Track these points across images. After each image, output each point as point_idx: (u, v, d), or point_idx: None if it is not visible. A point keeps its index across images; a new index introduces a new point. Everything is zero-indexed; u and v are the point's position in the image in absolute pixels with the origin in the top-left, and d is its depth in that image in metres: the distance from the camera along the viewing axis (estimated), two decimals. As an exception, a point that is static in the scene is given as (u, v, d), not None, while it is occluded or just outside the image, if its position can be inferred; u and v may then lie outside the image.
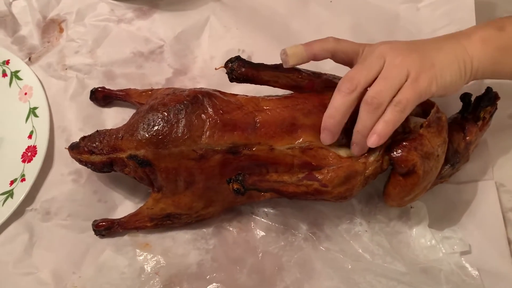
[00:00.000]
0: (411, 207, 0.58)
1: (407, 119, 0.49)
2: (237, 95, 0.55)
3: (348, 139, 0.51)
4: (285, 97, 0.54)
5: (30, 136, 0.63)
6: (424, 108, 0.54)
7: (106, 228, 0.58)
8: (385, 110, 0.47)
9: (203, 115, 0.52)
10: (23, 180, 0.61)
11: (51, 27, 0.73)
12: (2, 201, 0.60)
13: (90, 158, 0.55)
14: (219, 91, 0.55)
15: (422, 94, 0.47)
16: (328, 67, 0.55)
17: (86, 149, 0.55)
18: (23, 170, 0.61)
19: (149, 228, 0.58)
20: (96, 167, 0.55)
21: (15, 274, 0.57)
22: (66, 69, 0.69)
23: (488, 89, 0.56)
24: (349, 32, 0.68)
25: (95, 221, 0.59)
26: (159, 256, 0.58)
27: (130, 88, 0.64)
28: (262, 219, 0.59)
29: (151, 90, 0.62)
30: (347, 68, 0.52)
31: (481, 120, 0.56)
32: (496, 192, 0.58)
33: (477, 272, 0.55)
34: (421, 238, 0.57)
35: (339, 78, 0.52)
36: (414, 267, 0.55)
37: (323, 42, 0.51)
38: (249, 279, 0.56)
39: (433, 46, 0.50)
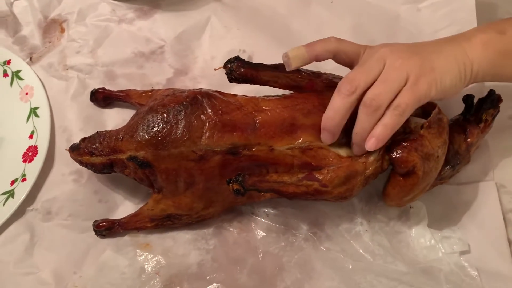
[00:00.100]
0: (411, 207, 0.58)
1: (408, 120, 0.49)
2: (236, 95, 0.55)
3: (348, 138, 0.51)
4: (284, 97, 0.54)
5: (31, 136, 0.64)
6: (425, 109, 0.53)
7: (106, 229, 0.58)
8: (384, 113, 0.47)
9: (202, 116, 0.52)
10: (24, 180, 0.61)
11: (52, 27, 0.73)
12: (3, 201, 0.60)
13: (91, 159, 0.55)
14: (219, 92, 0.55)
15: (421, 98, 0.47)
16: (329, 67, 0.55)
17: (86, 150, 0.55)
18: (24, 170, 0.62)
19: (150, 229, 0.59)
20: (97, 169, 0.55)
21: (16, 274, 0.58)
22: (67, 69, 0.69)
23: (491, 92, 0.56)
24: (349, 32, 0.68)
25: (95, 221, 0.59)
26: (160, 256, 0.58)
27: (130, 89, 0.64)
28: (263, 220, 0.59)
29: (151, 91, 0.62)
30: (347, 69, 0.52)
31: (483, 122, 0.56)
32: (497, 193, 0.58)
33: (476, 272, 0.55)
34: (420, 238, 0.57)
35: (339, 78, 0.52)
36: (414, 267, 0.55)
37: (325, 43, 0.51)
38: (250, 279, 0.56)
39: (434, 49, 0.50)
